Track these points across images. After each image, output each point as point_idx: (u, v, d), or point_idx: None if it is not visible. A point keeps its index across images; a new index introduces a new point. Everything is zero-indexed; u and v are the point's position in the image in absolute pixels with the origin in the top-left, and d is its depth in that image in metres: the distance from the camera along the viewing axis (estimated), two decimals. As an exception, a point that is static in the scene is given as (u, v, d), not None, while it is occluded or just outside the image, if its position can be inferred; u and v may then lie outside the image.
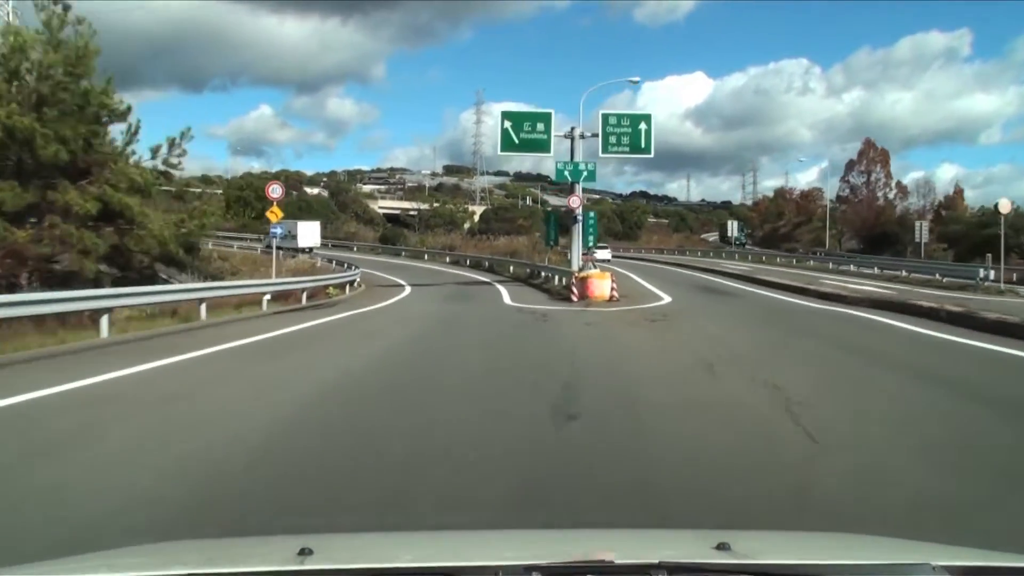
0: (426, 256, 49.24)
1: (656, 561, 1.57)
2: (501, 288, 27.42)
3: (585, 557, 1.69)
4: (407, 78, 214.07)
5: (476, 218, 76.20)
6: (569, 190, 27.02)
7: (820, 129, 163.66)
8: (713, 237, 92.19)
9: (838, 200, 72.72)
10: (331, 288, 23.11)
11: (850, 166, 72.41)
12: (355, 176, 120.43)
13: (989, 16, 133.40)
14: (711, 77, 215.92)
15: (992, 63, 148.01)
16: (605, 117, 26.66)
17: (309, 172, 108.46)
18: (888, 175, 70.12)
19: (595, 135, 26.61)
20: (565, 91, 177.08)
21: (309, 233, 47.61)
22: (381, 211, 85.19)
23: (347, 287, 25.79)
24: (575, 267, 26.42)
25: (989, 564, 1.77)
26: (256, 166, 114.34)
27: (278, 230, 21.39)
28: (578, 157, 26.75)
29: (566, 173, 26.40)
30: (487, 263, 40.74)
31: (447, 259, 46.41)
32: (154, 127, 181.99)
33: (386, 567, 1.69)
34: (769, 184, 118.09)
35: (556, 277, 27.08)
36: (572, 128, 26.80)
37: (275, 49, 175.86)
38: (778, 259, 51.93)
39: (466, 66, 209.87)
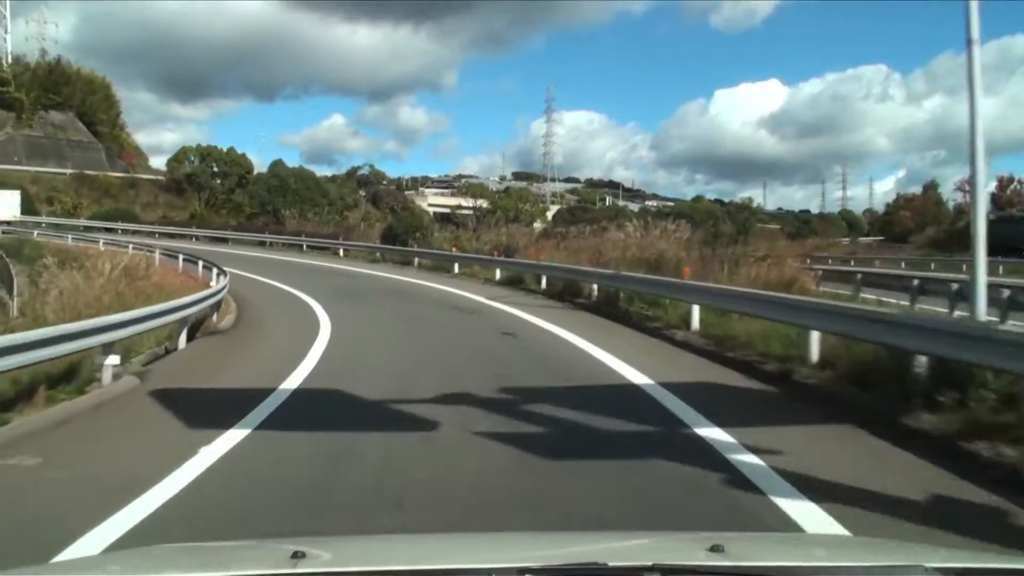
0: (456, 267, 24.16)
1: (649, 563, 1.53)
2: None
3: (578, 559, 1.61)
4: (478, 86, 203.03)
5: (549, 215, 57.34)
6: None
7: (898, 138, 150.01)
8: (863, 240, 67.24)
9: None
10: None
11: None
12: (418, 181, 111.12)
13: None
14: (786, 84, 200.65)
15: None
16: None
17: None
18: None
19: None
20: (640, 99, 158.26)
21: (6, 203, 42.10)
22: (431, 208, 67.04)
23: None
24: None
25: (981, 566, 1.75)
26: (328, 173, 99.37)
27: None
28: None
29: None
30: (594, 289, 15.45)
31: (497, 273, 21.36)
32: (228, 135, 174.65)
33: (378, 570, 1.67)
34: (844, 194, 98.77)
35: None
36: None
37: (347, 58, 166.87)
38: None
39: (538, 74, 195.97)
